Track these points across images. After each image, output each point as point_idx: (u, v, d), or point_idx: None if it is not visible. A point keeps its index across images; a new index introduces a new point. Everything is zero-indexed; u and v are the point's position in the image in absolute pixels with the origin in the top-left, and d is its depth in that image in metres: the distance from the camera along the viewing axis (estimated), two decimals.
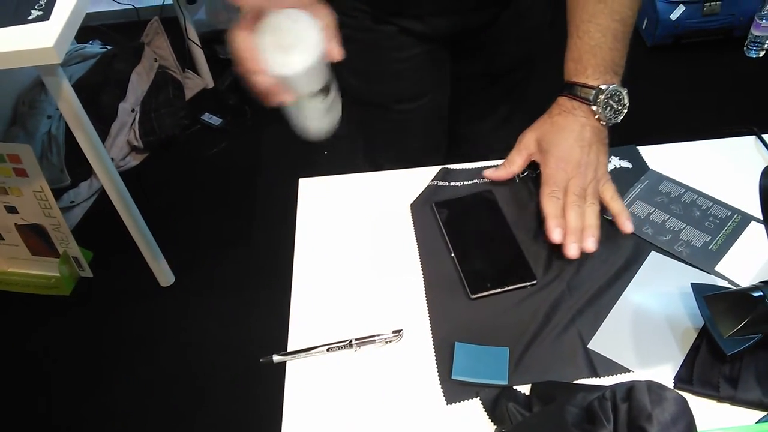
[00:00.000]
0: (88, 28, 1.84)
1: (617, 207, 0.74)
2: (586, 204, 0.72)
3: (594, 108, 0.74)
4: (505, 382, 0.63)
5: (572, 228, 0.71)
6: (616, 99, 0.74)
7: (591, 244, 0.70)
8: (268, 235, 1.89)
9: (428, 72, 0.98)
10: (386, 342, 0.67)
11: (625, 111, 0.75)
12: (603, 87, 0.73)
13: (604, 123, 0.75)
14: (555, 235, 0.70)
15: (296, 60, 0.58)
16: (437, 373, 0.65)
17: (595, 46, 0.74)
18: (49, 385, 1.65)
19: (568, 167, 0.73)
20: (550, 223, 0.71)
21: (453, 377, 0.64)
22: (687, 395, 0.61)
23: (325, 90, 0.63)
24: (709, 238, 0.74)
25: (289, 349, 0.67)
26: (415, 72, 0.96)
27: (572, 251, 0.70)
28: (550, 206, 0.72)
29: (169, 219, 1.94)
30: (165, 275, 1.79)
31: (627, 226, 0.72)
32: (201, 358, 1.67)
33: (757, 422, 0.58)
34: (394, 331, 0.68)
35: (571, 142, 0.74)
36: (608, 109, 0.74)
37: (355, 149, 1.02)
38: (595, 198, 0.73)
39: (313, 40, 0.58)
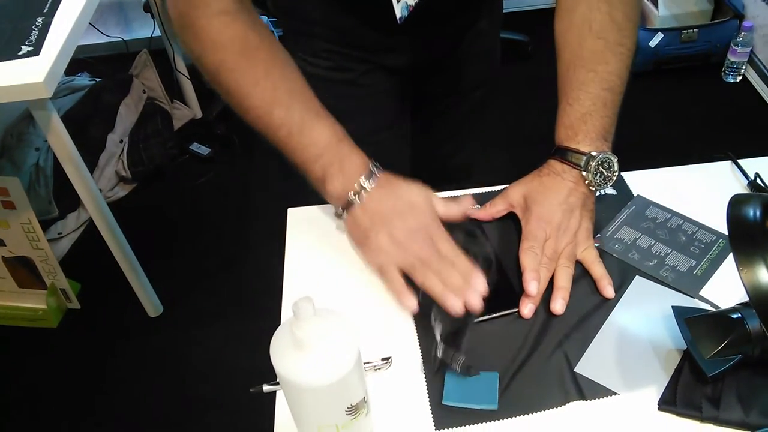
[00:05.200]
0: (77, 61, 1.86)
1: (599, 271, 0.74)
2: (560, 266, 0.74)
3: (584, 174, 0.76)
4: (495, 407, 0.64)
5: (540, 288, 0.72)
6: (607, 166, 0.76)
7: (559, 307, 0.71)
8: (256, 264, 1.89)
9: (395, 103, 1.01)
10: (375, 369, 0.68)
11: (615, 178, 0.76)
12: (594, 154, 0.75)
13: (594, 189, 0.77)
14: (531, 288, 0.71)
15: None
16: (428, 399, 0.65)
17: (586, 113, 0.76)
18: (36, 419, 1.63)
19: (547, 227, 0.75)
20: (527, 276, 0.72)
21: (444, 402, 0.64)
22: (671, 416, 0.62)
23: None
24: (695, 262, 0.76)
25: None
26: (384, 105, 0.99)
27: (525, 311, 0.71)
28: (528, 260, 0.73)
29: (157, 249, 1.94)
30: (153, 306, 1.78)
31: (608, 291, 0.73)
32: (190, 388, 1.65)
33: None
34: (383, 359, 0.68)
35: (555, 204, 0.75)
36: (599, 175, 0.76)
37: None
38: (570, 261, 0.74)
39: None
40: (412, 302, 0.71)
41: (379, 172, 0.75)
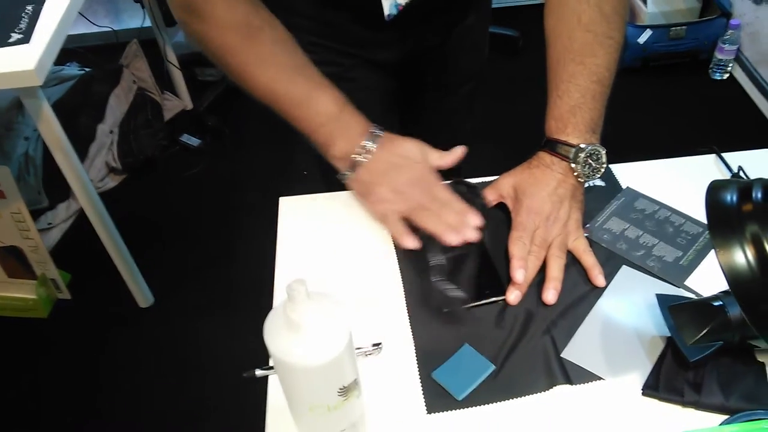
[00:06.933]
0: (67, 51, 1.85)
1: (590, 261, 0.76)
2: (552, 256, 0.75)
3: (573, 165, 0.77)
4: (494, 367, 0.67)
5: (527, 276, 0.74)
6: (595, 158, 0.77)
7: (551, 297, 0.72)
8: (248, 253, 1.90)
9: (383, 98, 1.02)
10: (366, 355, 0.69)
11: (603, 169, 0.78)
12: (583, 146, 0.76)
13: (582, 180, 0.78)
14: (518, 276, 0.73)
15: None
16: (420, 384, 0.67)
17: (575, 106, 0.77)
18: (25, 409, 1.63)
19: (537, 218, 0.76)
20: (514, 264, 0.73)
21: (460, 398, 0.65)
22: (654, 401, 0.64)
23: None
24: (681, 253, 0.77)
25: (271, 363, 0.68)
26: (372, 99, 0.99)
27: (511, 298, 0.73)
28: (516, 249, 0.74)
29: (148, 239, 1.94)
30: (144, 296, 1.78)
31: (599, 280, 0.74)
32: (182, 377, 1.66)
33: (720, 425, 0.61)
34: (374, 345, 0.70)
35: (545, 196, 0.77)
36: (587, 167, 0.77)
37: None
38: (561, 251, 0.76)
39: None
40: (413, 241, 0.76)
41: (381, 133, 0.80)
